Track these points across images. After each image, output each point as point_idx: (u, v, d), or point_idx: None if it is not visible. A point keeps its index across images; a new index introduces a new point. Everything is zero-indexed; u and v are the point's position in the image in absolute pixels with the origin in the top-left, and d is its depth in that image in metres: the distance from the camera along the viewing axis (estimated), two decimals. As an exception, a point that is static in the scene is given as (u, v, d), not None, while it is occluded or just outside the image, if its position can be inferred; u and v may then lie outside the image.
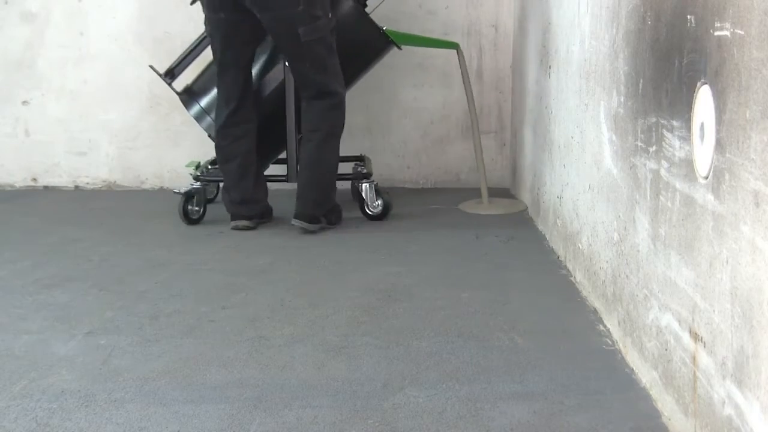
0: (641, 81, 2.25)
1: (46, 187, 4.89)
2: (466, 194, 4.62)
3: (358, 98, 4.62)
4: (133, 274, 3.26)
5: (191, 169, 4.25)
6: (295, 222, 3.79)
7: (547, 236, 3.66)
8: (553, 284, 3.11)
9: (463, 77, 4.35)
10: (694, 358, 1.85)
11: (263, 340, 2.59)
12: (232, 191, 3.91)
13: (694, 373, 1.84)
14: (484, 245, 3.64)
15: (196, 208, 4.03)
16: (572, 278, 3.11)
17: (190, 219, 4.01)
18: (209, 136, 4.10)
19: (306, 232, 3.79)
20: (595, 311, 2.76)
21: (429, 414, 2.10)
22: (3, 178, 4.93)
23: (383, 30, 4.06)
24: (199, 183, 4.08)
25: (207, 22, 3.84)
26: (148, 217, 3.68)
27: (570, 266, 3.17)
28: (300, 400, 2.18)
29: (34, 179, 4.92)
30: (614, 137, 2.54)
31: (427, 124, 4.85)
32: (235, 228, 3.89)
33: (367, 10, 4.16)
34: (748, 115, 1.56)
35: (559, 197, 3.36)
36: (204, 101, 4.12)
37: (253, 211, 3.92)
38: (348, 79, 4.01)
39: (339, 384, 2.28)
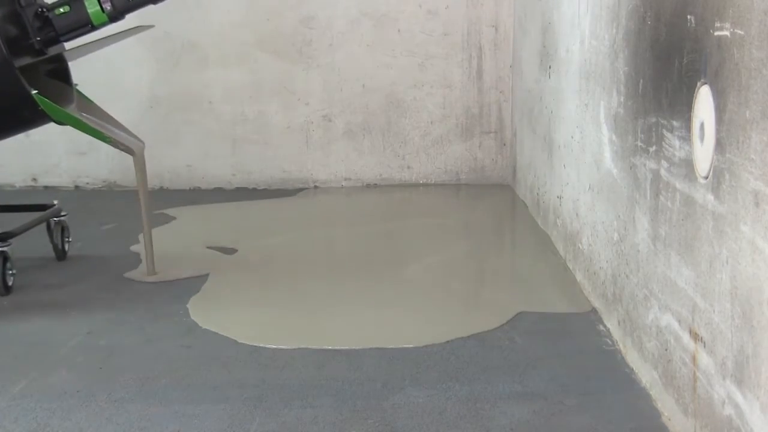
0: (641, 81, 2.25)
1: (46, 187, 4.88)
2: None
3: (358, 98, 4.62)
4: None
5: None
6: None
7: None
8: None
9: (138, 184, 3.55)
10: (694, 358, 1.85)
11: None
12: None
13: (694, 373, 1.84)
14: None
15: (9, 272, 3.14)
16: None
17: None
18: None
19: None
20: (594, 311, 2.76)
21: (429, 414, 2.10)
22: (3, 178, 4.92)
23: (34, 95, 3.08)
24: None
25: None
26: (148, 217, 3.68)
27: (570, 266, 3.17)
28: (300, 400, 2.18)
29: (34, 179, 4.92)
30: (614, 137, 2.54)
31: (427, 124, 4.84)
32: None
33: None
34: (748, 115, 1.56)
35: (559, 197, 3.36)
36: None
37: None
38: None
39: (339, 384, 2.28)
